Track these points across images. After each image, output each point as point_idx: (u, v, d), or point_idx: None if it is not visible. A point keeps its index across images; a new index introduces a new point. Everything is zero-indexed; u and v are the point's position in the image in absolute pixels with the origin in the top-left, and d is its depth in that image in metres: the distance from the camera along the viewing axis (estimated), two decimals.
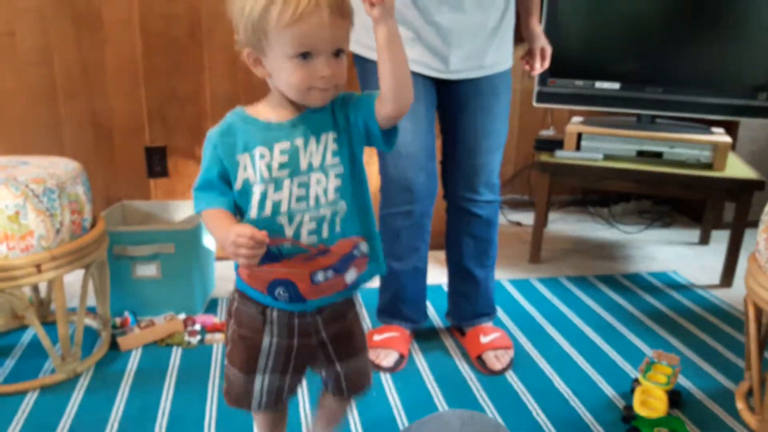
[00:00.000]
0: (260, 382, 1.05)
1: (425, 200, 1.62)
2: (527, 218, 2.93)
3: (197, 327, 1.84)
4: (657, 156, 2.34)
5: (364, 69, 1.58)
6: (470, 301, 1.80)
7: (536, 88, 2.35)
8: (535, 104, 2.39)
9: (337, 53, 0.90)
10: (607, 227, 2.90)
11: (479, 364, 1.70)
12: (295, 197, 0.94)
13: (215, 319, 1.91)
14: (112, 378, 1.63)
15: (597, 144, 2.37)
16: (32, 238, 1.46)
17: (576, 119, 2.51)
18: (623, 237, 2.78)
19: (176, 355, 1.74)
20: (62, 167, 1.58)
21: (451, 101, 1.59)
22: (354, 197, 0.98)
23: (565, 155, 2.34)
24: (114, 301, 1.84)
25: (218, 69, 2.25)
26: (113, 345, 1.77)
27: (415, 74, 1.50)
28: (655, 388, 1.50)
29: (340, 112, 0.96)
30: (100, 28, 2.16)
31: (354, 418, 1.49)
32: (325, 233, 0.96)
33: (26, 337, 1.83)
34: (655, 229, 2.88)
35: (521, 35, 1.71)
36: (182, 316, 1.88)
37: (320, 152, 0.94)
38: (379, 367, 1.69)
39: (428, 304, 1.89)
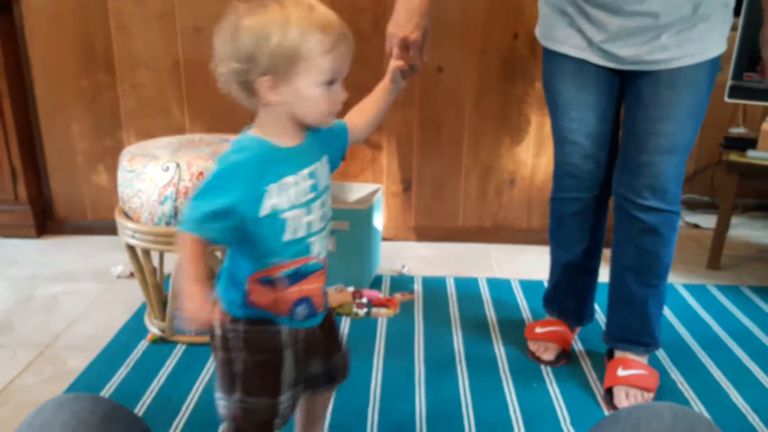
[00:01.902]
0: (286, 401, 1.04)
1: (592, 189, 1.56)
2: (706, 221, 2.74)
3: (364, 300, 1.95)
4: None
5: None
6: (622, 322, 1.60)
7: (729, 82, 2.19)
8: (726, 99, 2.22)
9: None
10: None
11: (606, 398, 1.55)
12: (319, 217, 0.99)
13: (380, 295, 2.01)
14: None
15: None
16: None
17: None
18: None
19: (345, 325, 1.86)
20: None
21: (629, 92, 1.48)
22: None
23: (758, 156, 2.16)
24: None
25: None
26: None
27: (581, 61, 1.46)
28: None
29: (324, 136, 1.02)
30: None
31: (514, 406, 1.51)
32: (327, 247, 1.04)
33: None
34: None
35: None
36: (351, 288, 2.00)
37: (325, 173, 1.01)
38: (540, 360, 1.69)
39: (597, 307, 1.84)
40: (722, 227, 2.27)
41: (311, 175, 0.97)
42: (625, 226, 1.52)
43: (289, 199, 0.94)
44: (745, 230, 2.71)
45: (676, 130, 1.42)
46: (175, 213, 1.59)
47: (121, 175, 1.67)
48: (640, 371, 1.55)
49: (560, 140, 1.56)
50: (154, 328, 1.78)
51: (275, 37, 0.87)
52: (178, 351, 1.72)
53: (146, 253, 1.69)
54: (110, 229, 1.91)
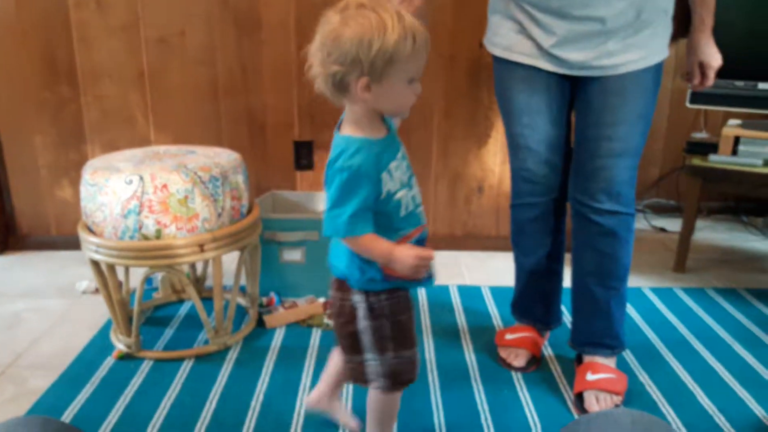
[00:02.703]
0: (417, 349, 1.25)
1: (549, 193, 1.58)
2: (672, 224, 2.79)
3: None
4: None
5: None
6: (586, 325, 1.61)
7: (690, 88, 2.23)
8: (688, 105, 2.27)
9: None
10: (762, 238, 2.69)
11: (576, 402, 1.55)
12: (417, 190, 1.16)
13: None
14: (259, 353, 1.76)
15: (756, 149, 2.21)
16: (197, 221, 1.61)
17: (733, 122, 2.35)
18: None
19: (316, 336, 1.85)
20: (225, 157, 1.73)
21: (579, 98, 1.51)
22: None
23: (719, 160, 2.20)
24: (262, 282, 1.98)
25: None
26: (260, 322, 1.91)
27: (531, 68, 1.48)
28: None
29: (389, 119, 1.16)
30: (258, 30, 2.32)
31: (485, 413, 1.51)
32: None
33: (183, 310, 2.02)
34: None
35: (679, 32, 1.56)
36: (322, 299, 1.99)
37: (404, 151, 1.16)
38: (510, 366, 1.69)
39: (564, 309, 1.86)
40: (687, 231, 2.31)
41: (404, 156, 1.13)
42: (583, 231, 1.54)
43: (397, 181, 1.09)
44: (709, 233, 2.76)
45: (626, 134, 1.45)
46: (139, 227, 1.57)
47: (84, 189, 1.64)
48: (609, 375, 1.56)
49: (514, 146, 1.58)
50: (120, 344, 1.75)
51: (376, 43, 0.98)
52: (145, 367, 1.68)
53: (111, 268, 1.66)
54: (75, 244, 1.87)
